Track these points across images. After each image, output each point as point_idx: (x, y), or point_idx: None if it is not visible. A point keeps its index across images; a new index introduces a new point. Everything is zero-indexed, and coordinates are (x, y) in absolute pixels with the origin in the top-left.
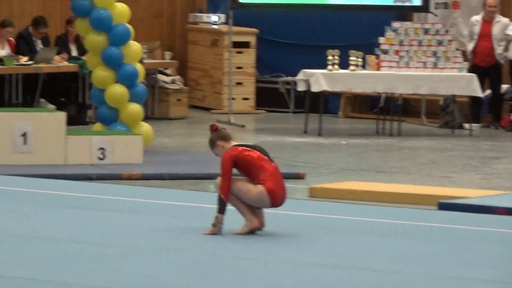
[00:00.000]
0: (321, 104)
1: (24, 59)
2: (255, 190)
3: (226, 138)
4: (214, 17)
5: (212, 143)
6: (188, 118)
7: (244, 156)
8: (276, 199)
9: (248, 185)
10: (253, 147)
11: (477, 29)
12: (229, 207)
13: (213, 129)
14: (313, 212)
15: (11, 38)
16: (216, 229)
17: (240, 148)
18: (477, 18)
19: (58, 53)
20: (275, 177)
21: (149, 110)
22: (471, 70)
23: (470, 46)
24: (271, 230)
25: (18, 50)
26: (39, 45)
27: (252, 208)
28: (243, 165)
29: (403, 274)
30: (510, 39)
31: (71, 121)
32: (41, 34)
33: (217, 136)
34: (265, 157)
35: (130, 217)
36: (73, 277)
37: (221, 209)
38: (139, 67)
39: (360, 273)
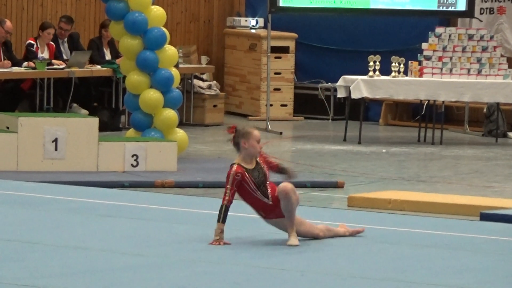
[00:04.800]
0: (361, 111)
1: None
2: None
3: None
4: (252, 21)
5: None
6: (224, 125)
7: None
8: None
9: None
10: None
11: None
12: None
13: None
14: (352, 222)
15: (52, 42)
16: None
17: None
18: None
19: (91, 57)
20: None
21: (184, 116)
22: None
23: None
24: (308, 241)
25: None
26: (66, 47)
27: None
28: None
29: (442, 287)
30: None
31: (104, 127)
32: (66, 31)
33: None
34: None
35: (163, 226)
36: (105, 287)
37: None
38: (175, 72)
39: (398, 285)
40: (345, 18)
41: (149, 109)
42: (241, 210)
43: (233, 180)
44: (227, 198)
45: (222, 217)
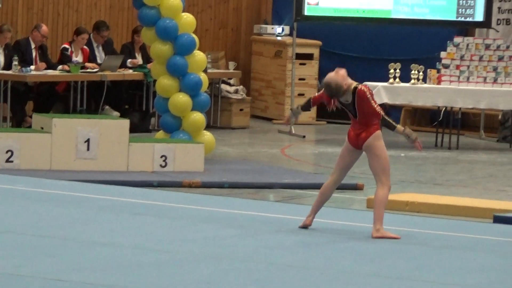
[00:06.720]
0: None
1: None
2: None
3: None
4: (278, 29)
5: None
6: (249, 128)
7: None
8: None
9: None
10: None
11: None
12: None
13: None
14: (370, 223)
15: (85, 47)
16: None
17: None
18: None
19: (123, 62)
20: None
21: (211, 119)
22: None
23: None
24: (328, 240)
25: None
26: (100, 51)
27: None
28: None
29: (457, 286)
30: None
31: (134, 129)
32: (103, 37)
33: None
34: None
35: (189, 224)
36: (133, 282)
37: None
38: (203, 77)
39: (414, 283)
40: (368, 27)
41: (178, 112)
42: (263, 210)
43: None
44: (380, 108)
45: (393, 120)
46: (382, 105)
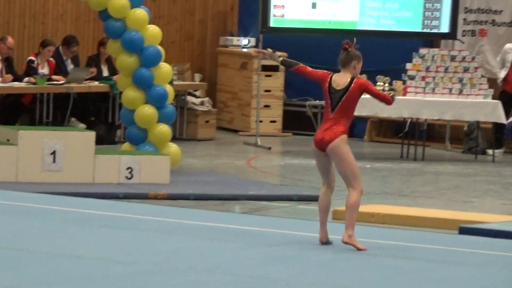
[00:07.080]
0: None
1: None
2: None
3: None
4: (244, 41)
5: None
6: (215, 140)
7: None
8: None
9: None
10: None
11: (510, 57)
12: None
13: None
14: (336, 235)
15: (52, 59)
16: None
17: None
18: (511, 46)
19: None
20: None
21: (177, 131)
22: (499, 96)
23: (502, 74)
24: (294, 252)
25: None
26: (69, 64)
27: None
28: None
29: None
30: None
31: (100, 141)
32: (73, 52)
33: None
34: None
35: (155, 236)
36: None
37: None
38: (169, 89)
39: None
40: (334, 38)
41: (144, 124)
42: (229, 222)
43: None
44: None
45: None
46: None
